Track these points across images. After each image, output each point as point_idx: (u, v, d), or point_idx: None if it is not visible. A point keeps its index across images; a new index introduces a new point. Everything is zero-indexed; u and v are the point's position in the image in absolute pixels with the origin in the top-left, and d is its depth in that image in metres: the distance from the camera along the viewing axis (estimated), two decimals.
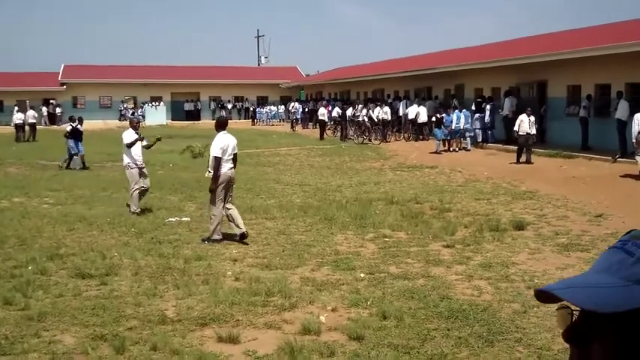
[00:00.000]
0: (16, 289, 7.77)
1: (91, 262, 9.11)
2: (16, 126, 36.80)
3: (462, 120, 26.43)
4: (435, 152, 25.38)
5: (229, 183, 10.55)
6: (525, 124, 21.22)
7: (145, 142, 13.55)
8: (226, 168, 10.41)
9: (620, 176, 17.59)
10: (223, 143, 10.41)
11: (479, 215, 12.38)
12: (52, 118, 55.31)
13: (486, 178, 17.67)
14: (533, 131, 21.45)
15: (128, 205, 13.24)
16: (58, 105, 58.13)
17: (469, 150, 26.28)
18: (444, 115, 26.41)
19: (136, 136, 13.23)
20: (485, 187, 16.23)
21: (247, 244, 10.22)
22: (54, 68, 62.50)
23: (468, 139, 26.72)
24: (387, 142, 31.17)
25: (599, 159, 20.17)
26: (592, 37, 25.10)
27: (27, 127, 36.94)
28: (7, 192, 16.19)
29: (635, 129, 17.09)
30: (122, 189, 16.29)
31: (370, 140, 31.15)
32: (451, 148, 26.28)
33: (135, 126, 13.69)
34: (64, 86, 59.34)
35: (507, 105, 26.55)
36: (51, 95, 58.81)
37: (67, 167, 21.79)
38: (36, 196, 15.71)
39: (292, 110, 47.97)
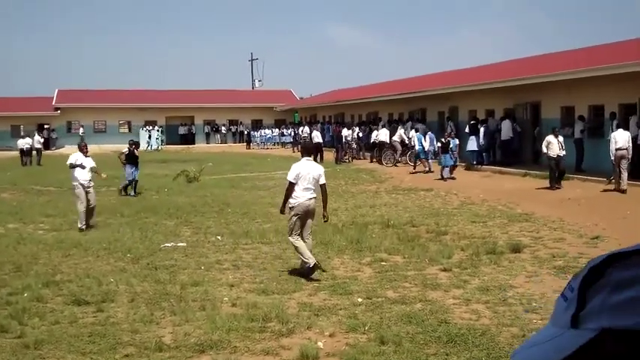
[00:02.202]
0: (12, 317, 7.73)
1: (87, 288, 9.08)
2: (22, 151, 38.15)
3: (428, 142, 26.79)
4: (442, 179, 23.81)
5: (307, 214, 9.76)
6: (555, 145, 19.43)
7: (88, 167, 14.46)
8: (304, 198, 9.65)
9: (601, 191, 17.83)
10: (301, 169, 9.75)
11: (475, 238, 12.39)
12: (46, 143, 55.28)
13: (482, 201, 17.69)
14: (564, 152, 19.67)
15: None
16: (52, 130, 58.18)
17: (432, 171, 26.19)
18: (449, 140, 25.11)
19: (78, 162, 14.22)
20: (481, 209, 16.25)
21: (319, 280, 9.58)
22: (48, 93, 62.68)
23: (430, 161, 26.87)
24: (396, 165, 30.73)
25: (593, 180, 20.17)
26: (585, 58, 25.24)
27: (33, 152, 38.29)
28: (2, 218, 16.13)
29: (612, 146, 17.55)
30: (117, 214, 16.31)
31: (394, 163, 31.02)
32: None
33: (82, 150, 14.63)
34: (59, 111, 59.34)
35: (505, 128, 26.66)
36: (45, 120, 58.79)
37: (124, 193, 20.64)
38: (31, 221, 15.66)
39: (303, 135, 46.22)
